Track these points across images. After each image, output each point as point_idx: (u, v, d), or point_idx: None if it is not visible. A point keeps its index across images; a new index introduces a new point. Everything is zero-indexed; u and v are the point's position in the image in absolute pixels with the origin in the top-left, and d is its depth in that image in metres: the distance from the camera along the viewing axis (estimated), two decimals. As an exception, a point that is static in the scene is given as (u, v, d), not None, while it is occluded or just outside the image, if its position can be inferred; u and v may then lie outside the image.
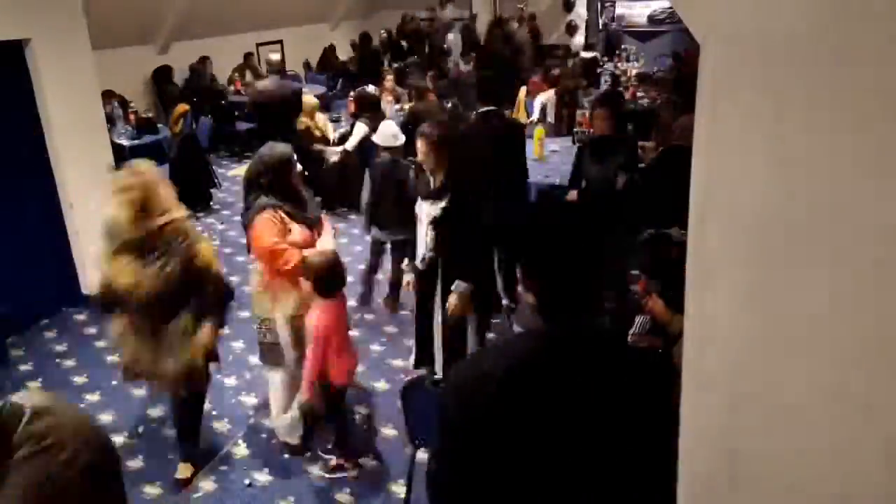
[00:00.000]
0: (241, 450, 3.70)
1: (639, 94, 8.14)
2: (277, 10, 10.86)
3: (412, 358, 4.22)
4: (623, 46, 10.56)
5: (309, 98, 7.51)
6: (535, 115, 7.45)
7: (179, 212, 3.15)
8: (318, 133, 7.14)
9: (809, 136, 0.96)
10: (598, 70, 9.29)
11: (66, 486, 1.24)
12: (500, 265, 4.42)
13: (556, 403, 1.36)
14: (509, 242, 3.79)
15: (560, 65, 9.13)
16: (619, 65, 9.68)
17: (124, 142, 6.98)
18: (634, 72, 9.18)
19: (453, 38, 10.88)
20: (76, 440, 1.29)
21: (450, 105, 7.29)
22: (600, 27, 11.65)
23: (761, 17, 1.03)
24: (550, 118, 7.29)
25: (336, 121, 7.93)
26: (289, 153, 3.40)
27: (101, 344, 4.78)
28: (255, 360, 4.54)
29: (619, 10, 11.51)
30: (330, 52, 11.64)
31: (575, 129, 6.51)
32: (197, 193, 7.40)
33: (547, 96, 7.42)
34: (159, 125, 7.84)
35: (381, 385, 4.24)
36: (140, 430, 3.89)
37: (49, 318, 5.14)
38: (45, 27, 4.73)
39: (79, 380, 4.38)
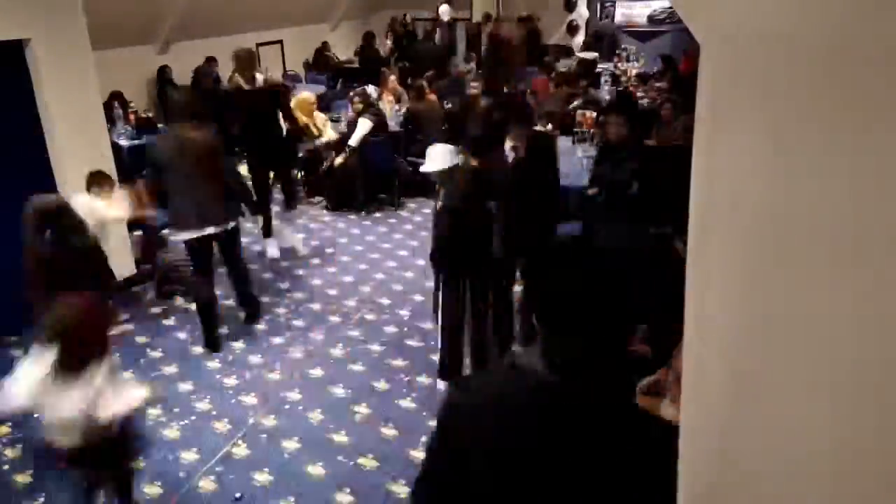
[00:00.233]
0: (241, 450, 3.70)
1: (639, 94, 8.14)
2: (277, 10, 10.86)
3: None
4: (623, 46, 10.56)
5: (308, 95, 7.50)
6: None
7: None
8: (315, 132, 7.14)
9: (809, 135, 0.95)
10: (597, 70, 9.29)
11: None
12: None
13: (536, 460, 1.29)
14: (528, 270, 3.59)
15: (553, 64, 9.15)
16: (618, 65, 9.68)
17: (123, 142, 6.98)
18: (634, 72, 9.18)
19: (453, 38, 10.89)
20: None
21: (449, 105, 7.29)
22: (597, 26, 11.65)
23: (761, 17, 1.03)
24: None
25: (336, 121, 7.92)
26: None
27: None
28: (255, 360, 4.54)
29: (618, 10, 11.51)
30: (324, 50, 11.63)
31: (575, 130, 6.51)
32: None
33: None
34: (159, 125, 7.85)
35: (381, 385, 4.25)
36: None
37: (49, 318, 5.13)
38: (45, 27, 4.73)
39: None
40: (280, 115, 5.85)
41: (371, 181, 7.14)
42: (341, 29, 13.04)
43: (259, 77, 6.74)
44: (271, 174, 6.07)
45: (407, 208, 7.30)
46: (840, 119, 0.90)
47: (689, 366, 1.35)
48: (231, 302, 5.30)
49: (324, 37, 12.22)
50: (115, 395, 2.62)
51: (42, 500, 3.39)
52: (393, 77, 8.56)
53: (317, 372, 4.40)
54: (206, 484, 3.47)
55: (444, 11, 10.71)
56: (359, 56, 11.55)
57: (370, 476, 3.49)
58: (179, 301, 5.37)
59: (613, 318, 1.30)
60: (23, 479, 3.52)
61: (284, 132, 5.95)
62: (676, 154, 5.09)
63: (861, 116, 0.87)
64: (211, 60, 9.38)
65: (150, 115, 8.14)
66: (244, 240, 5.37)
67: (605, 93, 8.58)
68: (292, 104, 7.47)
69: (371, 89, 8.05)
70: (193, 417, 3.98)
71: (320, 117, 7.45)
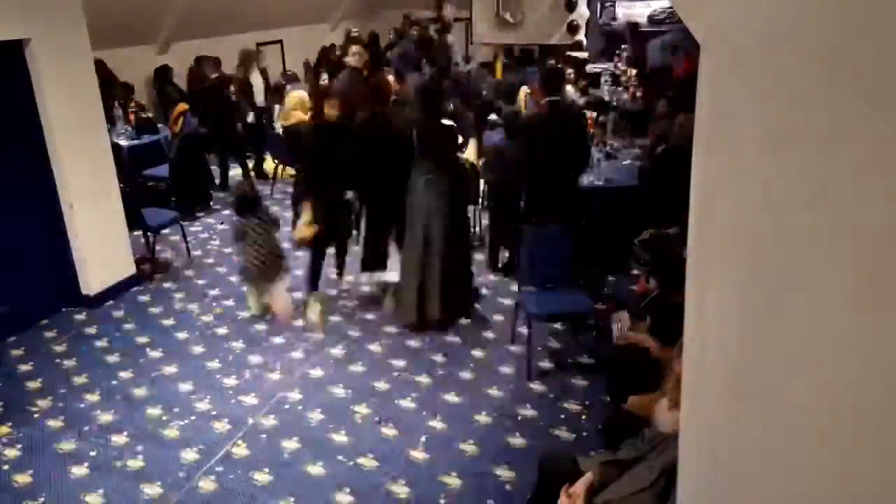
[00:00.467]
0: (241, 450, 3.70)
1: (639, 94, 8.14)
2: (277, 10, 10.85)
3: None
4: (623, 46, 10.55)
5: (300, 93, 7.54)
6: None
7: None
8: None
9: (809, 135, 0.95)
10: (593, 71, 9.30)
11: None
12: None
13: None
14: None
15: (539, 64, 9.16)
16: (618, 65, 9.67)
17: (123, 142, 6.98)
18: (634, 72, 9.17)
19: (453, 39, 10.87)
20: None
21: (451, 106, 7.28)
22: (600, 27, 11.64)
23: (761, 17, 1.03)
24: None
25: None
26: None
27: (101, 344, 4.79)
28: (255, 359, 4.54)
29: (618, 10, 11.50)
30: (329, 51, 11.61)
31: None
32: (197, 193, 7.40)
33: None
34: (159, 125, 7.84)
35: (381, 385, 4.25)
36: (139, 429, 3.90)
37: (49, 318, 5.14)
38: (45, 27, 4.73)
39: (79, 380, 4.38)
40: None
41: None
42: (341, 29, 13.04)
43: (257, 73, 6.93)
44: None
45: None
46: (839, 118, 0.90)
47: (689, 366, 1.35)
48: (231, 302, 5.30)
49: (324, 37, 12.22)
50: None
51: (42, 500, 3.39)
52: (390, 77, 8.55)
53: (317, 372, 4.40)
54: (206, 484, 3.47)
55: (449, 13, 10.69)
56: (364, 56, 11.51)
57: (370, 476, 3.49)
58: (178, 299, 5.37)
59: None
60: (23, 479, 3.52)
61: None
62: (677, 154, 5.10)
63: (860, 116, 0.87)
64: (202, 60, 9.34)
65: (150, 115, 8.13)
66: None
67: (605, 93, 8.57)
68: (290, 104, 7.49)
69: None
70: (193, 417, 3.98)
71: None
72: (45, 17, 4.72)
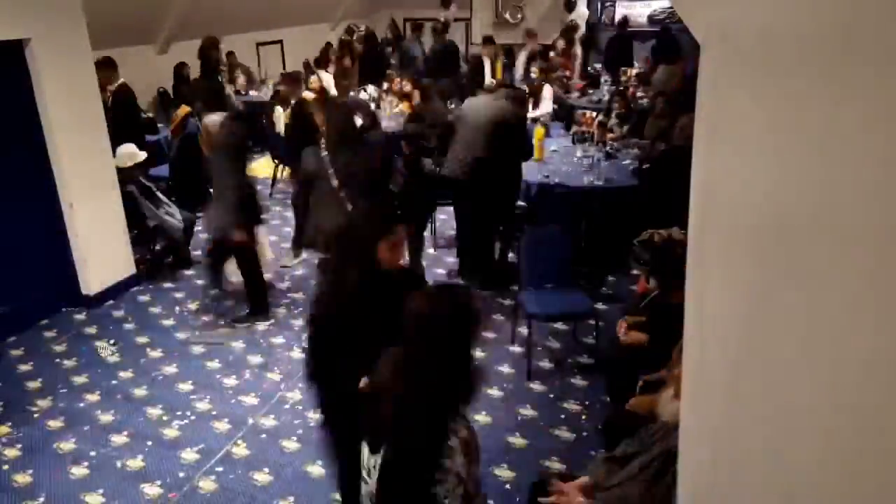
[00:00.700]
0: (241, 450, 3.70)
1: (638, 94, 8.14)
2: (277, 10, 10.85)
3: None
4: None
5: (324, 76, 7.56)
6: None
7: None
8: None
9: (809, 135, 0.95)
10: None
11: None
12: None
13: None
14: None
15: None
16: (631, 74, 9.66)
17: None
18: (634, 72, 9.17)
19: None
20: None
21: (453, 106, 7.29)
22: (600, 27, 11.64)
23: (761, 17, 1.03)
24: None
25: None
26: None
27: (101, 344, 4.79)
28: (255, 359, 4.54)
29: (618, 10, 11.50)
30: (330, 50, 11.59)
31: (574, 130, 6.51)
32: (197, 193, 7.38)
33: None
34: (160, 125, 7.84)
35: (381, 385, 4.24)
36: (140, 429, 3.90)
37: (49, 318, 5.14)
38: (45, 27, 4.73)
39: (79, 380, 4.38)
40: None
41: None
42: (341, 29, 13.04)
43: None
44: None
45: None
46: (839, 118, 0.90)
47: (689, 366, 1.35)
48: (231, 302, 5.30)
49: (324, 37, 12.22)
50: None
51: (42, 500, 3.39)
52: (399, 79, 8.55)
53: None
54: (206, 484, 3.47)
55: (449, 13, 10.70)
56: (360, 56, 11.52)
57: (370, 476, 3.49)
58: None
59: None
60: (23, 479, 3.52)
61: None
62: (678, 154, 5.10)
63: (860, 115, 0.87)
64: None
65: (151, 115, 8.13)
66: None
67: (604, 93, 8.58)
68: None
69: (371, 90, 8.05)
70: (193, 417, 3.98)
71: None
72: (45, 17, 4.72)
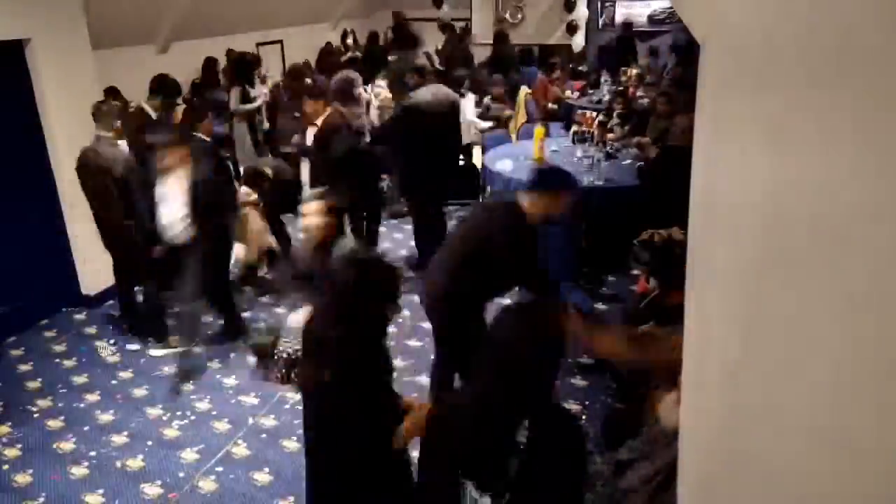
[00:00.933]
0: (241, 450, 3.70)
1: (639, 94, 8.14)
2: (277, 10, 10.84)
3: None
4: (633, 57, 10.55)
5: None
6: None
7: None
8: None
9: (810, 135, 0.95)
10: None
11: None
12: None
13: None
14: None
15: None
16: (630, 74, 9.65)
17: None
18: (634, 72, 9.16)
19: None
20: None
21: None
22: (600, 27, 11.64)
23: (761, 16, 1.03)
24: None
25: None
26: None
27: (101, 344, 4.78)
28: (254, 360, 4.54)
29: (618, 10, 11.50)
30: (328, 50, 11.59)
31: (574, 130, 6.51)
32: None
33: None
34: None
35: (381, 385, 4.24)
36: (140, 429, 3.90)
37: (49, 318, 5.14)
38: (45, 27, 4.73)
39: (79, 380, 4.38)
40: None
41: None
42: (341, 29, 13.04)
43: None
44: None
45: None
46: (840, 118, 0.90)
47: (689, 366, 1.35)
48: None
49: (324, 37, 12.22)
50: None
51: (42, 500, 3.39)
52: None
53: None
54: (206, 484, 3.47)
55: (446, 13, 10.69)
56: (362, 56, 11.53)
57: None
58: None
59: None
60: (23, 479, 3.52)
61: None
62: (677, 154, 5.10)
63: (861, 115, 0.87)
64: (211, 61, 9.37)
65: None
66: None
67: (605, 92, 8.58)
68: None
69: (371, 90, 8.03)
70: (193, 417, 3.98)
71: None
72: (45, 17, 4.72)
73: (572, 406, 4.01)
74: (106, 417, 4.00)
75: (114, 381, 4.35)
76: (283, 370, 3.08)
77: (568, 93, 8.88)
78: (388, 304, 2.27)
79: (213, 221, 4.31)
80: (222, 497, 3.39)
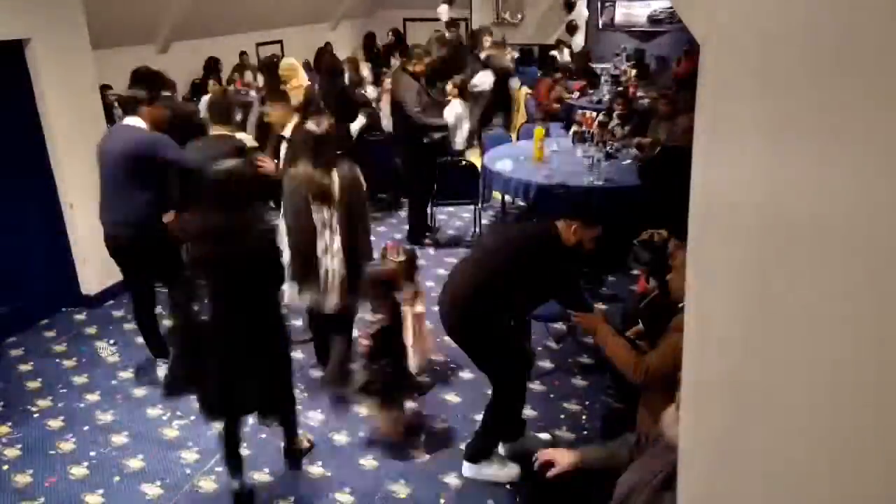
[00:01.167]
0: (241, 450, 3.70)
1: (639, 94, 8.14)
2: (277, 10, 10.84)
3: None
4: (623, 46, 10.55)
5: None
6: None
7: None
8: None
9: (810, 135, 0.95)
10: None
11: None
12: None
13: None
14: None
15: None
16: (617, 64, 9.67)
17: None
18: (634, 72, 9.17)
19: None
20: None
21: None
22: (599, 27, 11.64)
23: (761, 16, 1.03)
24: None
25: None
26: None
27: (101, 344, 4.78)
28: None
29: (618, 10, 11.49)
30: (325, 51, 11.58)
31: (574, 130, 6.51)
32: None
33: None
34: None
35: (381, 385, 4.24)
36: (140, 429, 3.90)
37: (49, 318, 5.14)
38: (45, 27, 4.73)
39: (79, 380, 4.38)
40: None
41: (370, 181, 7.12)
42: (341, 29, 13.03)
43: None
44: None
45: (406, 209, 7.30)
46: (840, 118, 0.90)
47: (690, 366, 1.35)
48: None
49: (324, 37, 12.21)
50: None
51: (42, 500, 3.39)
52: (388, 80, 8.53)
53: (317, 372, 4.40)
54: (206, 484, 3.47)
55: (443, 12, 10.69)
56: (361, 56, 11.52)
57: (370, 476, 3.49)
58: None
59: None
60: (23, 479, 3.52)
61: None
62: (677, 154, 5.10)
63: (861, 115, 0.87)
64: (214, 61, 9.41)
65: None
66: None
67: (605, 93, 8.58)
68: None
69: (371, 90, 8.04)
70: (193, 417, 3.98)
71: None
72: (45, 17, 4.72)
73: (572, 406, 4.02)
74: (106, 417, 4.00)
75: (114, 381, 4.35)
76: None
77: (565, 93, 8.89)
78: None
79: None
80: (222, 497, 3.39)
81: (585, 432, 3.76)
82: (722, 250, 1.19)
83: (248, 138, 4.67)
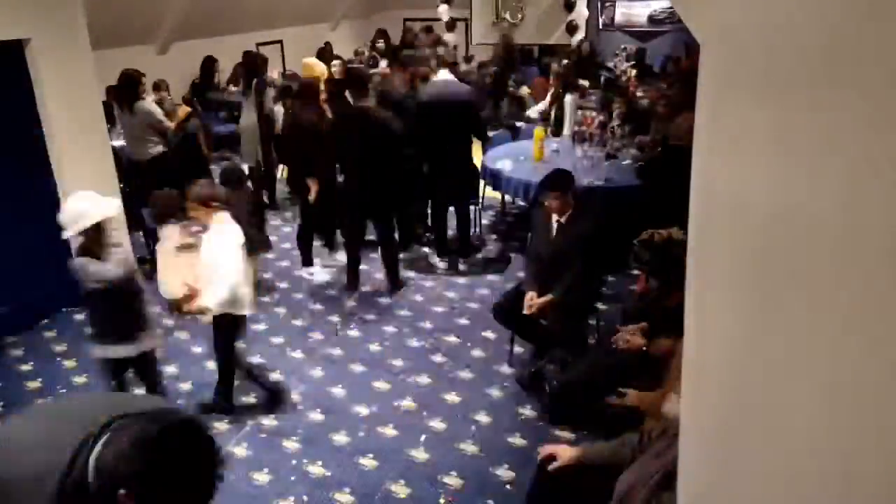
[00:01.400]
0: (241, 450, 3.70)
1: (639, 94, 8.14)
2: (277, 10, 10.85)
3: None
4: (622, 46, 10.56)
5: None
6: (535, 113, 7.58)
7: None
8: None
9: (809, 135, 0.95)
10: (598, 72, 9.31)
11: None
12: None
13: None
14: None
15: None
16: (618, 64, 9.67)
17: (121, 142, 6.96)
18: (634, 71, 9.18)
19: (454, 39, 10.88)
20: None
21: None
22: (599, 27, 11.64)
23: (761, 17, 1.03)
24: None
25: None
26: None
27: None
28: (255, 359, 4.54)
29: (619, 10, 11.50)
30: (325, 51, 11.58)
31: (574, 129, 6.51)
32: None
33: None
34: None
35: (381, 385, 4.24)
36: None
37: (49, 318, 5.14)
38: (45, 27, 4.72)
39: (79, 380, 4.38)
40: None
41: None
42: (341, 29, 13.04)
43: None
44: None
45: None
46: (840, 118, 0.90)
47: (689, 366, 1.35)
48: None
49: (324, 37, 12.21)
50: None
51: (42, 500, 3.38)
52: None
53: (317, 372, 4.41)
54: (206, 484, 3.47)
55: (443, 11, 10.69)
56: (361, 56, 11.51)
57: (370, 476, 3.49)
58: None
59: None
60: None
61: None
62: (677, 154, 5.10)
63: (861, 115, 0.87)
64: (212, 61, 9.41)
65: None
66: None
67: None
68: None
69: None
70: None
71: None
72: (45, 17, 4.72)
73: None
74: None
75: (113, 382, 4.34)
76: None
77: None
78: None
79: None
80: (222, 497, 3.38)
81: (586, 432, 3.76)
82: (722, 250, 1.19)
83: None
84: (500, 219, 7.10)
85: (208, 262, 3.62)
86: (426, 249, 6.19)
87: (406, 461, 3.59)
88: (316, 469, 3.54)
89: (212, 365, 4.26)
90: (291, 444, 3.73)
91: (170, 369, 4.48)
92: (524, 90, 8.44)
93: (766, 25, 1.02)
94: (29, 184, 4.90)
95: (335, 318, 5.06)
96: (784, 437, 1.08)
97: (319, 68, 7.10)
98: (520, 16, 11.97)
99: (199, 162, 7.50)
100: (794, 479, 1.08)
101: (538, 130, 6.22)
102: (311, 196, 5.34)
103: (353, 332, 4.87)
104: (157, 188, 4.86)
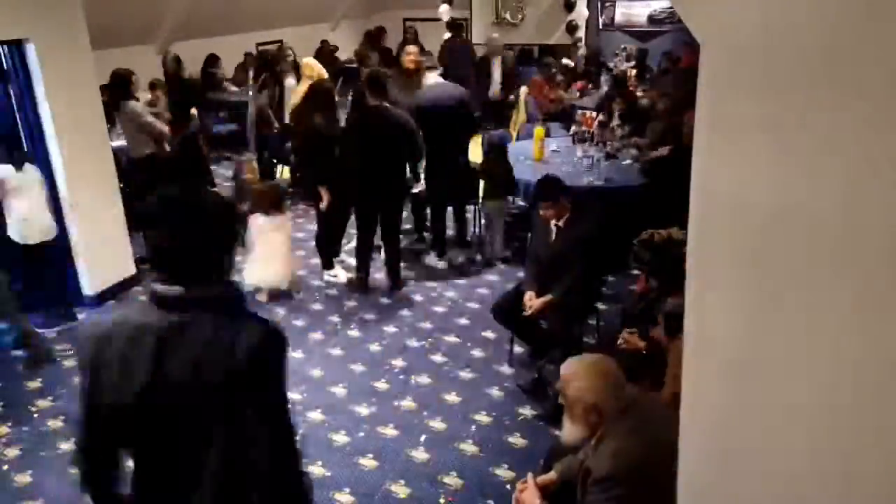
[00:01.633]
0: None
1: (639, 94, 8.14)
2: (277, 10, 10.84)
3: None
4: (622, 46, 10.55)
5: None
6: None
7: None
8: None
9: (809, 135, 0.96)
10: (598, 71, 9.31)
11: None
12: None
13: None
14: None
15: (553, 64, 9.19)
16: (618, 64, 9.67)
17: (122, 142, 6.96)
18: (634, 71, 9.17)
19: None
20: None
21: None
22: (599, 27, 11.64)
23: (761, 16, 1.03)
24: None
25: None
26: None
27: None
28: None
29: (619, 10, 11.49)
30: (323, 50, 11.56)
31: (574, 129, 6.51)
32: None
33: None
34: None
35: (380, 385, 4.24)
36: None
37: (49, 317, 5.13)
38: (45, 27, 4.72)
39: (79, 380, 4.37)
40: None
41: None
42: (341, 29, 13.03)
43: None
44: None
45: (406, 208, 7.29)
46: (839, 118, 0.90)
47: (689, 366, 1.35)
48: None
49: (324, 37, 12.21)
50: None
51: (42, 500, 3.39)
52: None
53: (317, 372, 4.41)
54: (206, 484, 3.47)
55: (444, 12, 10.68)
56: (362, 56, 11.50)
57: (370, 476, 3.49)
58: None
59: None
60: (23, 478, 3.52)
61: None
62: (677, 154, 5.10)
63: (860, 115, 0.87)
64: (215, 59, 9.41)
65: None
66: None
67: (604, 88, 8.58)
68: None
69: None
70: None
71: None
72: (45, 17, 4.72)
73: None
74: (106, 417, 3.99)
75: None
76: None
77: (564, 94, 8.89)
78: None
79: None
80: (222, 497, 3.38)
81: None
82: (722, 250, 1.19)
83: None
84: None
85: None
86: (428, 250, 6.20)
87: (406, 461, 3.59)
88: (316, 469, 3.54)
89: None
90: (291, 444, 3.73)
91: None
92: (523, 90, 8.42)
93: (765, 25, 1.02)
94: (29, 184, 4.89)
95: (335, 318, 5.06)
96: (784, 437, 1.08)
97: (319, 68, 7.10)
98: (520, 16, 11.97)
99: (199, 162, 7.51)
100: (794, 478, 1.08)
101: (538, 130, 6.22)
102: (324, 205, 5.34)
103: (353, 332, 4.87)
104: (150, 187, 4.86)
